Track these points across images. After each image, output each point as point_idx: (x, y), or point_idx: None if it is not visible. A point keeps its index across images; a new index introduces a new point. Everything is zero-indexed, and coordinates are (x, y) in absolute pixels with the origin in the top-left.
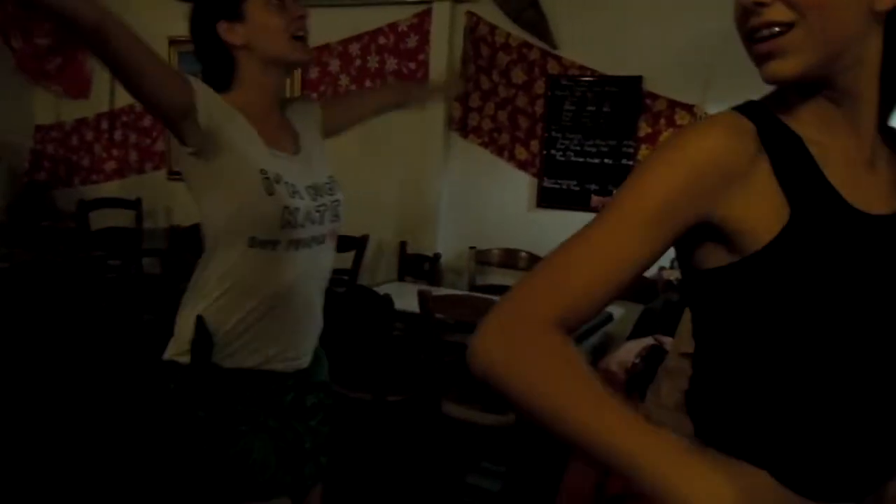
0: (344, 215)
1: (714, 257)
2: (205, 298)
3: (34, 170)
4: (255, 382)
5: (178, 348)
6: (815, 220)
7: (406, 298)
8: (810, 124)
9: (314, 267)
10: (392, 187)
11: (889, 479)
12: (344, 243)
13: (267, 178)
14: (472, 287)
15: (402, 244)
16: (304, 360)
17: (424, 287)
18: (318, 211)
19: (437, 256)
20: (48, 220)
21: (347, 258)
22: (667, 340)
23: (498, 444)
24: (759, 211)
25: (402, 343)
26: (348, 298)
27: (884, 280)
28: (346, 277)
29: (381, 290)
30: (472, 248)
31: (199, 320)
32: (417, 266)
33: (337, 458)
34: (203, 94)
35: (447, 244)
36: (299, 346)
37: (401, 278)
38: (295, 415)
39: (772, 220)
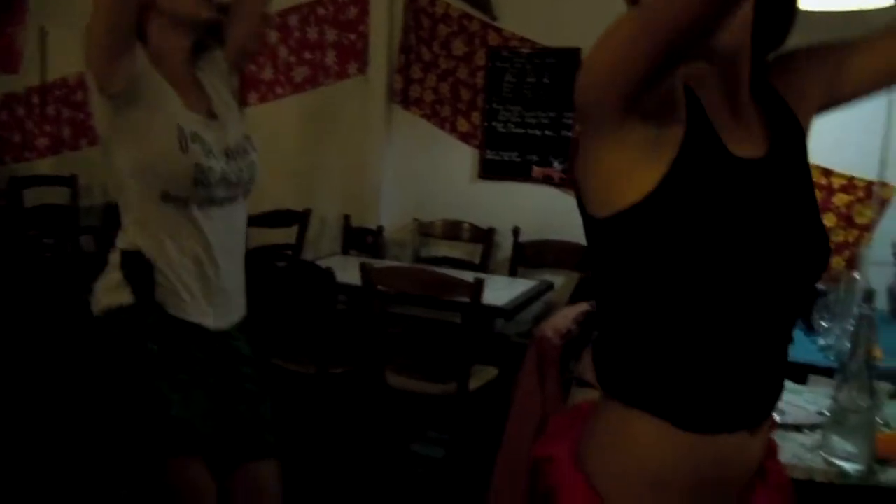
0: (258, 176)
1: (607, 205)
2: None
3: None
4: (190, 333)
5: (109, 297)
6: (698, 165)
7: (350, 272)
8: (691, 77)
9: (229, 225)
10: (334, 161)
11: (777, 402)
12: (286, 217)
13: (183, 135)
14: (417, 259)
15: (346, 218)
16: (230, 319)
17: (367, 260)
18: (234, 172)
19: (380, 229)
20: None
21: (291, 233)
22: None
23: (441, 413)
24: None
25: (346, 316)
26: (290, 273)
27: (757, 220)
28: (289, 252)
29: (325, 263)
30: (415, 220)
31: (129, 254)
32: (361, 239)
33: (281, 431)
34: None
35: (391, 217)
36: (225, 304)
37: (345, 252)
38: (230, 377)
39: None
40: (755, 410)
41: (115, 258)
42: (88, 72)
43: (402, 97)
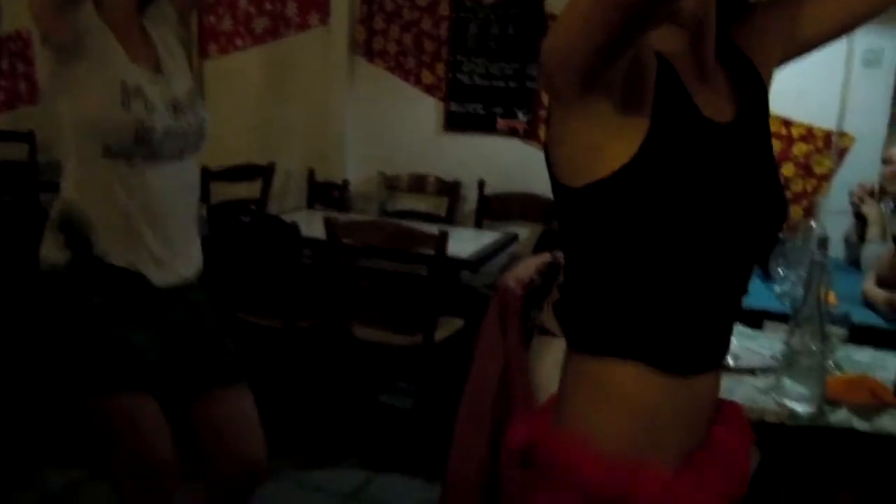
0: (208, 132)
1: (581, 176)
2: (69, 207)
3: None
4: (135, 283)
5: (53, 255)
6: (674, 132)
7: (315, 226)
8: (663, 43)
9: (175, 182)
10: (297, 114)
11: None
12: (249, 172)
13: (126, 91)
14: (383, 213)
15: (310, 172)
16: (180, 274)
17: (332, 213)
18: (181, 128)
19: (345, 183)
20: None
21: (254, 187)
22: (563, 257)
23: (408, 364)
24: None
25: (312, 270)
26: (254, 227)
27: (729, 182)
28: (253, 207)
29: (289, 217)
30: (380, 173)
31: (66, 213)
32: (326, 193)
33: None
34: None
35: (356, 170)
36: (173, 259)
37: (310, 206)
38: (182, 321)
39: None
40: (720, 351)
41: (54, 215)
42: (34, 22)
43: (366, 49)
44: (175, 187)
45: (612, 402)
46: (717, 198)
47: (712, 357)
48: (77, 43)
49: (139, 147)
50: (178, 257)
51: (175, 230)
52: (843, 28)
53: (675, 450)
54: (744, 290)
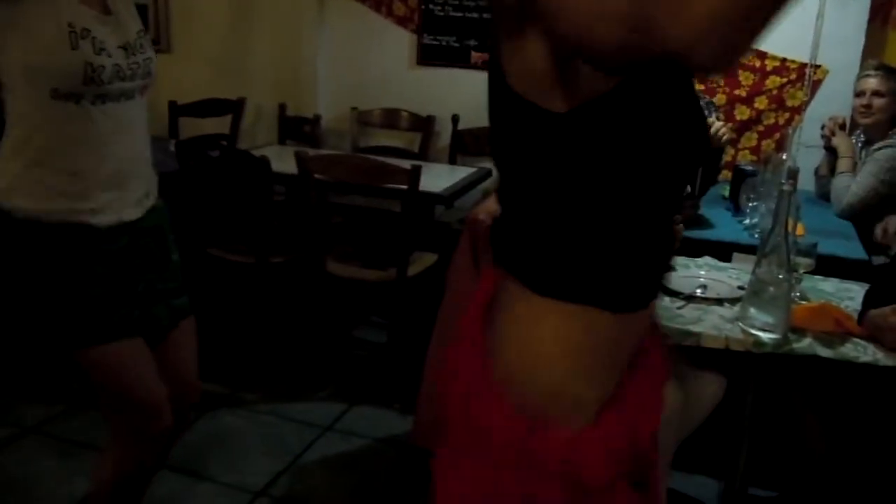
0: (155, 72)
1: (568, 98)
2: (16, 151)
3: None
4: (81, 235)
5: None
6: None
7: (287, 161)
8: None
9: (125, 121)
10: (266, 47)
11: None
12: (219, 106)
13: (73, 31)
14: (355, 149)
15: (281, 107)
16: (132, 212)
17: (304, 149)
18: (130, 68)
19: (317, 118)
20: None
21: (224, 122)
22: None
23: (382, 299)
24: None
25: (285, 205)
26: (224, 162)
27: (693, 100)
28: (223, 142)
29: (261, 153)
30: (353, 109)
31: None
32: (298, 129)
33: (221, 318)
34: None
35: (328, 106)
36: (123, 199)
37: (281, 142)
38: (126, 260)
39: None
40: (660, 286)
41: (5, 171)
42: None
43: None
44: (125, 126)
45: (554, 344)
46: (689, 115)
47: (654, 291)
48: None
49: (88, 87)
50: (130, 195)
51: (126, 169)
52: None
53: (611, 384)
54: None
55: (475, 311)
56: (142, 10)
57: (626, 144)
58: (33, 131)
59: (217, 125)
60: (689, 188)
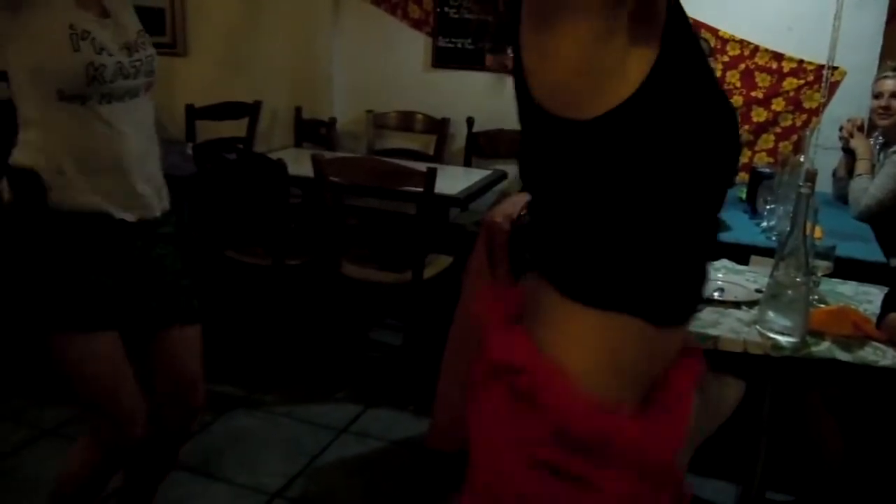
0: (158, 69)
1: (593, 105)
2: (29, 155)
3: None
4: (92, 225)
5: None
6: (682, 43)
7: (303, 164)
8: None
9: (131, 119)
10: (283, 51)
11: None
12: (236, 110)
13: (74, 34)
14: (371, 151)
15: (297, 110)
16: (142, 213)
17: (319, 151)
18: (132, 66)
19: (333, 121)
20: None
21: (241, 125)
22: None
23: (398, 302)
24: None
25: (301, 208)
26: (240, 165)
27: (726, 107)
28: (240, 145)
29: (277, 155)
30: (368, 111)
31: (18, 173)
32: (314, 131)
33: (237, 320)
34: None
35: (343, 108)
36: (132, 198)
37: (297, 144)
38: (139, 261)
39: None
40: (699, 301)
41: (9, 170)
42: None
43: None
44: (133, 125)
45: (591, 351)
46: (719, 119)
47: (693, 307)
48: None
49: (92, 87)
50: (139, 195)
51: (134, 168)
52: None
53: (641, 393)
54: (717, 231)
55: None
56: (158, 14)
57: (654, 149)
58: (43, 134)
59: (233, 128)
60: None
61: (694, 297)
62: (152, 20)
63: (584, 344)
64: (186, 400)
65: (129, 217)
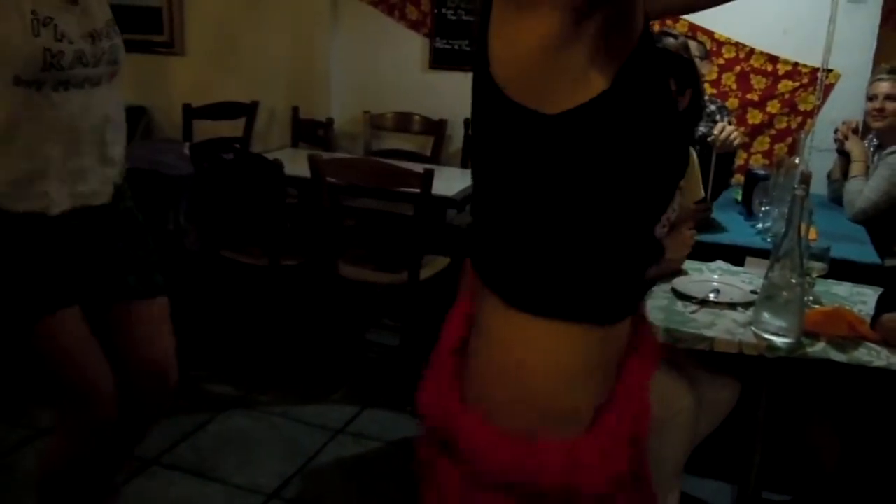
0: (123, 59)
1: (560, 101)
2: None
3: None
4: (47, 224)
5: None
6: (649, 54)
7: (300, 164)
8: None
9: (91, 107)
10: (281, 51)
11: None
12: (233, 109)
13: (35, 20)
14: (368, 152)
15: (294, 110)
16: (96, 198)
17: (316, 151)
18: (94, 55)
19: (330, 122)
20: None
21: (238, 125)
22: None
23: (394, 302)
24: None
25: (298, 208)
26: (237, 165)
27: (676, 112)
28: (237, 145)
29: (274, 156)
30: (365, 112)
31: None
32: (311, 132)
33: (234, 320)
34: None
35: (341, 109)
36: (88, 184)
37: (294, 145)
38: (92, 240)
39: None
40: (642, 295)
41: None
42: None
43: None
44: (91, 112)
45: (546, 360)
46: (672, 133)
47: (637, 301)
48: None
49: (48, 73)
50: (89, 181)
51: (88, 156)
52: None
53: (600, 390)
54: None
55: (453, 333)
56: (155, 14)
57: (613, 151)
58: None
59: (231, 128)
60: (703, 193)
61: (635, 293)
62: (150, 19)
63: (528, 355)
64: (161, 377)
65: (69, 205)
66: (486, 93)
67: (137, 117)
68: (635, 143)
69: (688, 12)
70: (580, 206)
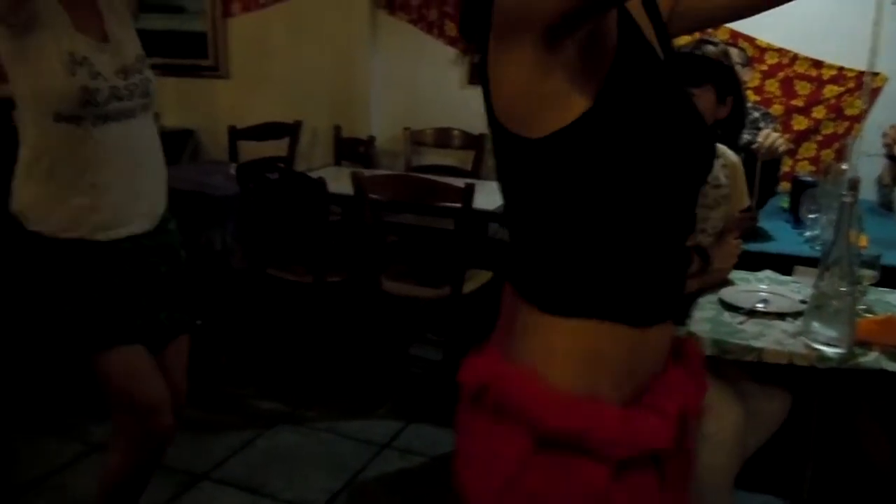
0: (155, 92)
1: (542, 126)
2: (29, 172)
3: None
4: (90, 250)
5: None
6: (636, 73)
7: (343, 181)
8: None
9: (128, 139)
10: (322, 71)
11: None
12: (277, 130)
13: (73, 60)
14: (409, 168)
15: (336, 128)
16: (139, 226)
17: (358, 169)
18: (127, 89)
19: (371, 139)
20: None
21: (282, 145)
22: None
23: (437, 317)
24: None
25: (341, 225)
26: (282, 184)
27: (680, 121)
28: (281, 165)
29: (317, 174)
30: (406, 129)
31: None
32: (353, 150)
33: (279, 336)
34: None
35: (381, 126)
36: (130, 213)
37: (337, 163)
38: (132, 272)
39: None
40: (676, 300)
41: (22, 190)
42: None
43: (387, 2)
44: (129, 144)
45: (569, 355)
46: (675, 135)
47: (669, 306)
48: (31, 20)
49: (86, 109)
50: (138, 208)
51: (129, 185)
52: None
53: (628, 392)
54: (691, 231)
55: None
56: (200, 38)
57: (600, 167)
58: (41, 153)
59: (275, 148)
60: (748, 202)
61: (666, 296)
62: (195, 44)
63: (564, 354)
64: (175, 396)
65: (118, 233)
66: (491, 127)
67: (185, 140)
68: (631, 152)
69: (730, 21)
70: (587, 217)
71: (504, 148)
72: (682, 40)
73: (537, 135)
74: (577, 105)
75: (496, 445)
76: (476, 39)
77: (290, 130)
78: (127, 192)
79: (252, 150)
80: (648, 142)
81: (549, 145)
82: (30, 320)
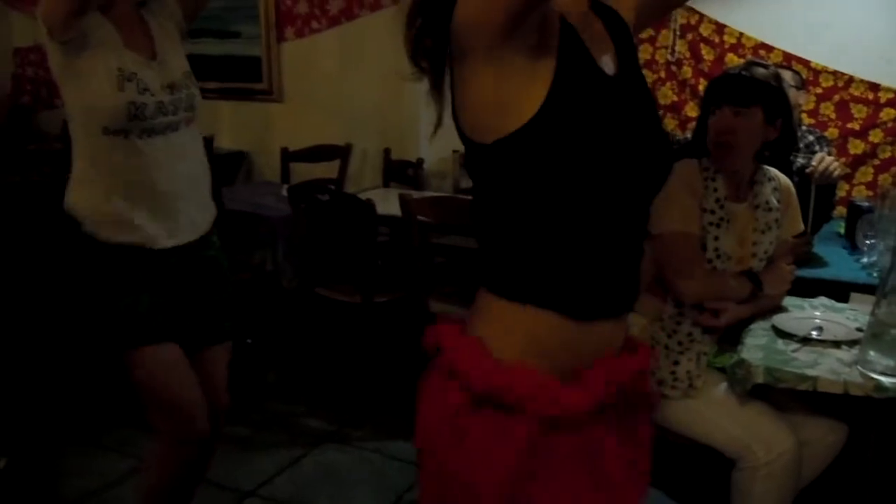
0: (199, 105)
1: (492, 132)
2: (81, 182)
3: (17, 94)
4: (136, 256)
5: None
6: (577, 86)
7: (391, 203)
8: (559, 4)
9: (174, 150)
10: (372, 95)
11: (637, 294)
12: (328, 152)
13: (122, 76)
14: (457, 190)
15: (386, 151)
16: (184, 237)
17: (407, 191)
18: (173, 103)
19: (420, 162)
20: (34, 144)
21: (333, 167)
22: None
23: None
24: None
25: (389, 246)
26: (332, 205)
27: (626, 132)
28: (332, 186)
29: (366, 196)
30: (454, 151)
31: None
32: (402, 172)
33: (328, 356)
34: None
35: (430, 149)
36: (176, 224)
37: (386, 185)
38: (176, 280)
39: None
40: (626, 298)
41: (75, 197)
42: (39, 19)
43: None
44: (174, 156)
45: (516, 337)
46: (617, 145)
47: (618, 303)
48: (82, 37)
49: (133, 123)
50: (178, 221)
51: (171, 194)
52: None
53: (568, 371)
54: (643, 237)
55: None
56: (255, 63)
57: (547, 167)
58: (91, 164)
59: (325, 170)
60: (802, 227)
61: (610, 294)
62: (250, 69)
63: (505, 332)
64: (214, 404)
65: (165, 243)
66: (460, 137)
67: (239, 162)
68: (570, 159)
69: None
70: (532, 216)
71: (468, 154)
72: (732, 62)
73: (490, 140)
74: (523, 114)
75: (447, 399)
76: (428, 65)
77: (340, 153)
78: (175, 201)
79: (303, 171)
80: (586, 150)
81: (498, 149)
82: (71, 319)
